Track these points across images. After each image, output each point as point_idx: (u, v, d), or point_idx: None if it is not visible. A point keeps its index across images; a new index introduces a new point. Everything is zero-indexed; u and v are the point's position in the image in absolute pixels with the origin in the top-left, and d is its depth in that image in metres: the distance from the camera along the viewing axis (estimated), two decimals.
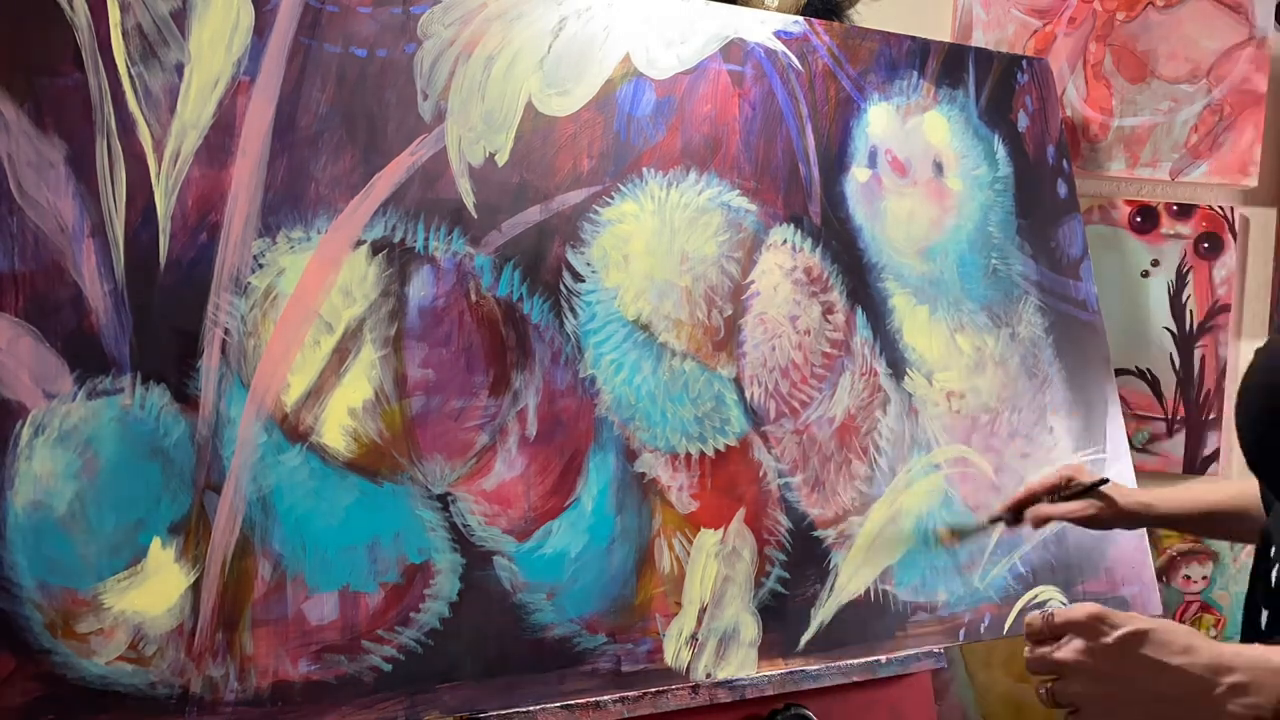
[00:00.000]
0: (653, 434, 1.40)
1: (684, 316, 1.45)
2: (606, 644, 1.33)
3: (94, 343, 1.11)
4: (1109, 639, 0.87)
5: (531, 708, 1.27)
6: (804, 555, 1.48)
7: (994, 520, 1.63)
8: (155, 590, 1.11)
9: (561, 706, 1.29)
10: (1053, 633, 0.90)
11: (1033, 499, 1.60)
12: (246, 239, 1.19)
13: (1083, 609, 0.88)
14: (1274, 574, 1.05)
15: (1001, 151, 1.79)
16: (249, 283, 1.19)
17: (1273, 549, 1.06)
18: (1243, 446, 1.03)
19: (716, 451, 1.45)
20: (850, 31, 1.68)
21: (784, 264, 1.54)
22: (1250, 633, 1.07)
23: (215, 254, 1.18)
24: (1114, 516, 1.56)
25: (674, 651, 1.37)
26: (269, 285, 1.20)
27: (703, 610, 1.40)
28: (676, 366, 1.44)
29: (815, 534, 1.50)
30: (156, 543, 1.12)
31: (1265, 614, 1.07)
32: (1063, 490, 1.59)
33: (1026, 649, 0.92)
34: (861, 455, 1.56)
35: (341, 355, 1.22)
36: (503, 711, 1.25)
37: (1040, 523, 1.60)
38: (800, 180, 1.58)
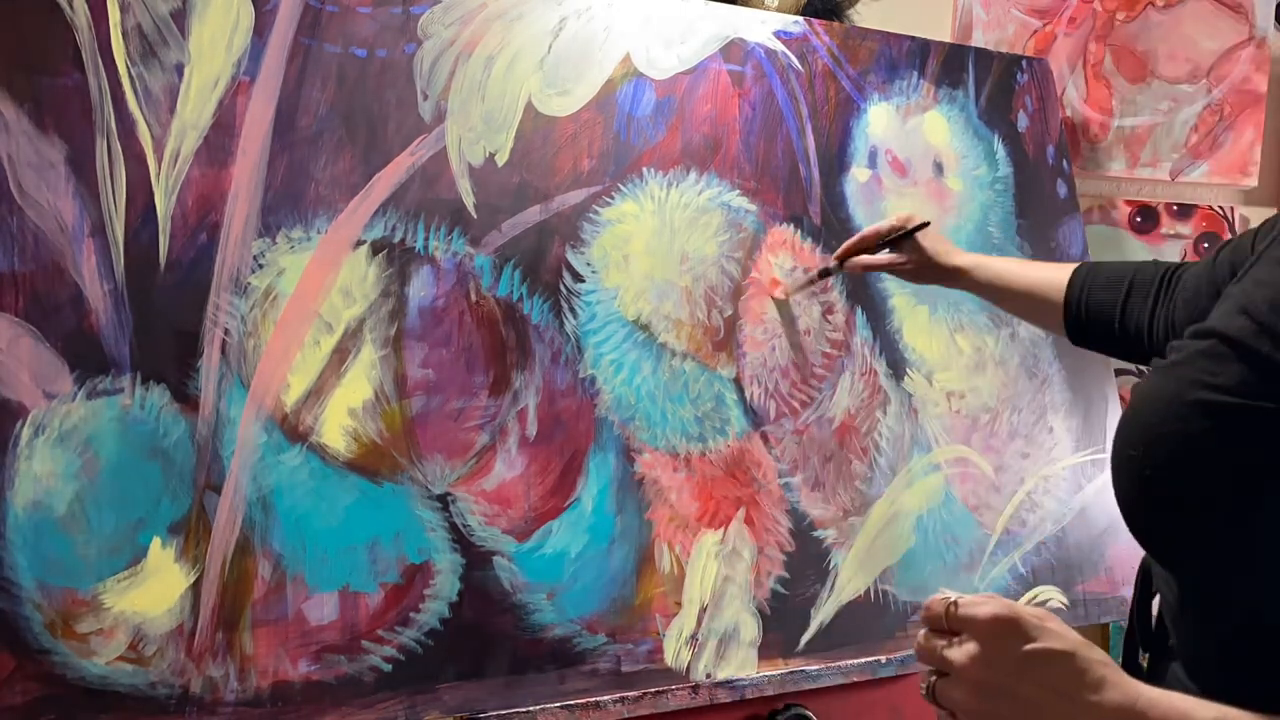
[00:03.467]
0: (653, 434, 1.40)
1: (684, 316, 1.45)
2: (606, 644, 1.33)
3: (94, 343, 1.11)
4: (1012, 653, 0.72)
5: (531, 708, 1.27)
6: (804, 555, 1.48)
7: (824, 273, 1.55)
8: (155, 590, 1.11)
9: (561, 706, 1.29)
10: (950, 626, 0.75)
11: (864, 246, 1.50)
12: (246, 239, 1.19)
13: (990, 607, 0.73)
14: (1154, 613, 0.92)
15: (1001, 151, 1.79)
16: (249, 283, 1.19)
17: (1154, 588, 0.92)
18: (1118, 497, 0.83)
19: (717, 451, 1.45)
20: (850, 32, 1.68)
21: (784, 264, 1.54)
22: (1130, 674, 0.86)
23: (215, 254, 1.18)
24: (926, 269, 1.46)
25: (674, 651, 1.37)
26: (269, 285, 1.20)
27: (703, 610, 1.40)
28: (676, 366, 1.43)
29: (815, 534, 1.49)
30: (156, 543, 1.12)
31: (1146, 656, 0.93)
32: (890, 236, 1.48)
33: (921, 634, 0.77)
34: (861, 455, 1.56)
35: (341, 355, 1.23)
36: (503, 711, 1.25)
37: (859, 269, 1.52)
38: (800, 180, 1.58)
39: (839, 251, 1.52)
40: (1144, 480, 0.78)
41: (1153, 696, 0.71)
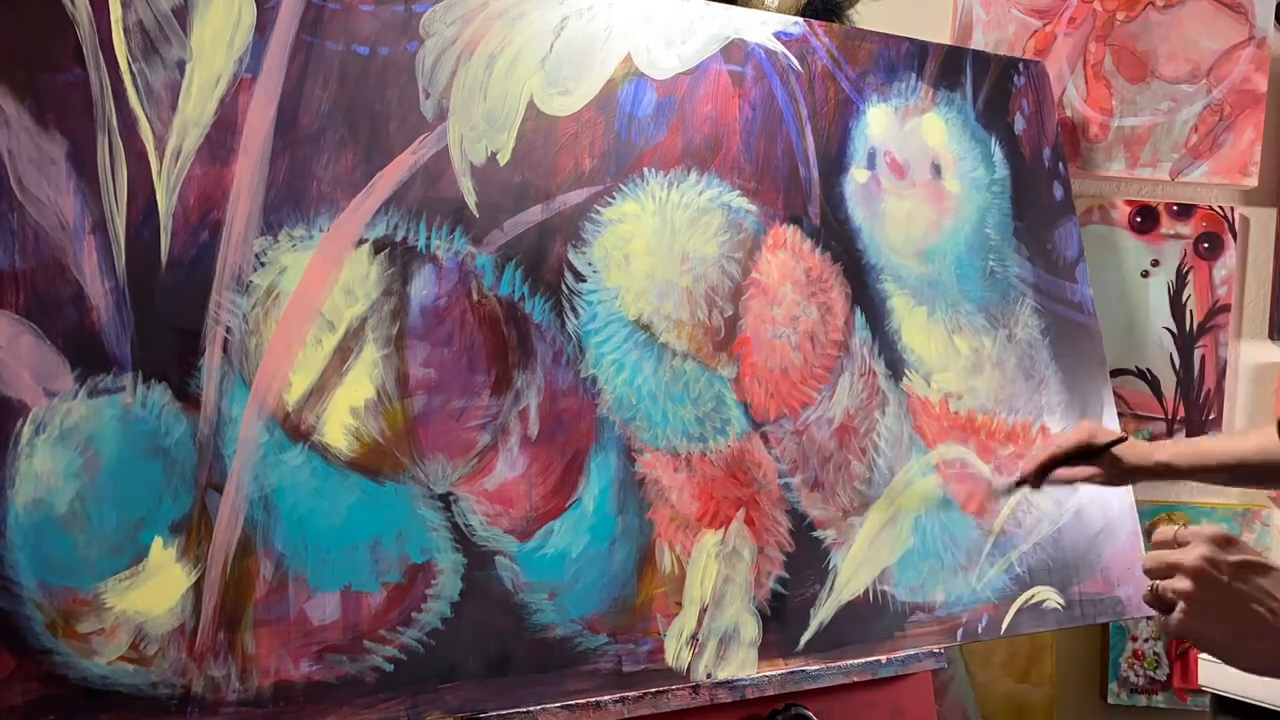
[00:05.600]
0: (653, 434, 1.40)
1: (684, 316, 1.45)
2: (607, 644, 1.33)
3: (95, 341, 1.11)
4: (1234, 557, 0.96)
5: (532, 708, 1.27)
6: (804, 555, 1.48)
7: (1019, 483, 1.65)
8: (156, 590, 1.11)
9: (562, 707, 1.29)
10: (1179, 540, 0.99)
11: (1055, 461, 1.62)
12: (248, 237, 1.19)
13: (1215, 528, 0.98)
14: None
15: (998, 153, 1.79)
16: (251, 281, 1.19)
17: None
18: None
19: (717, 451, 1.44)
20: (849, 33, 1.69)
21: (784, 264, 1.54)
22: None
23: (217, 252, 1.17)
24: (1127, 475, 1.60)
25: (674, 651, 1.37)
26: (271, 283, 1.20)
27: (703, 610, 1.40)
28: (677, 366, 1.43)
29: (815, 534, 1.49)
30: (158, 542, 1.11)
31: None
32: (1084, 451, 1.60)
33: (1149, 554, 1.02)
34: (860, 455, 1.56)
35: (343, 354, 1.22)
36: (504, 711, 1.25)
37: (1062, 482, 1.64)
38: (800, 181, 1.58)
39: (1032, 468, 1.63)
40: None
41: None
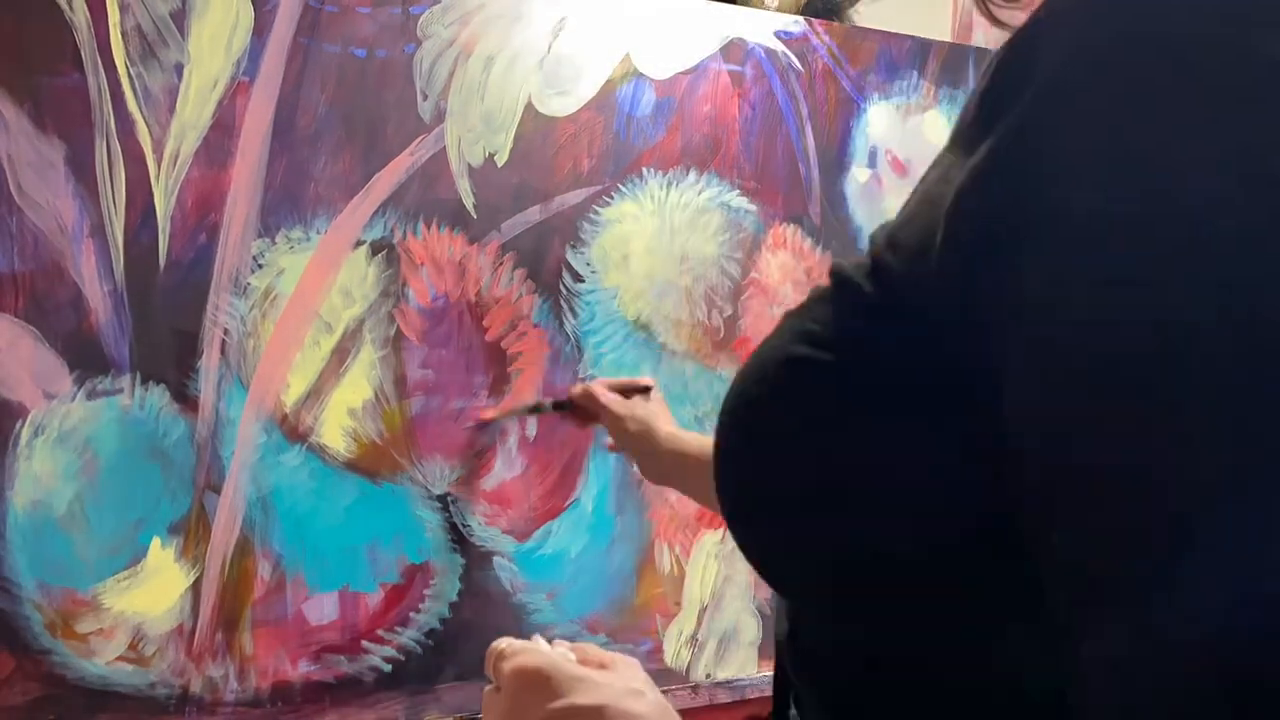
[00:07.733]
0: None
1: (684, 316, 1.45)
2: (606, 644, 1.33)
3: (94, 343, 1.11)
4: (535, 711, 0.63)
5: None
6: None
7: (534, 409, 1.32)
8: (155, 590, 1.11)
9: None
10: (494, 677, 0.67)
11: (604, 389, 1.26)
12: (246, 239, 1.19)
13: (518, 660, 0.64)
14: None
15: None
16: (248, 283, 1.19)
17: None
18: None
19: None
20: (850, 32, 1.68)
21: (784, 264, 1.54)
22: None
23: (215, 254, 1.18)
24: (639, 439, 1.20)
25: (674, 652, 1.37)
26: (268, 286, 1.20)
27: (703, 610, 1.40)
28: (676, 366, 1.43)
29: None
30: (156, 543, 1.12)
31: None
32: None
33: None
34: None
35: (341, 355, 1.23)
36: None
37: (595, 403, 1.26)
38: (800, 180, 1.58)
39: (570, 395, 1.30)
40: None
41: None
